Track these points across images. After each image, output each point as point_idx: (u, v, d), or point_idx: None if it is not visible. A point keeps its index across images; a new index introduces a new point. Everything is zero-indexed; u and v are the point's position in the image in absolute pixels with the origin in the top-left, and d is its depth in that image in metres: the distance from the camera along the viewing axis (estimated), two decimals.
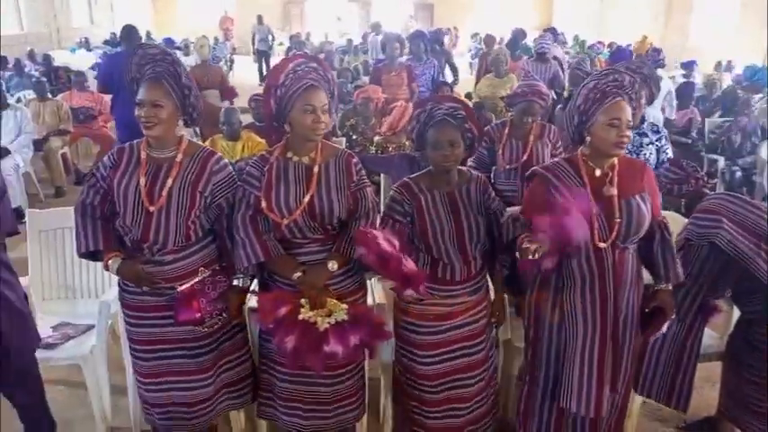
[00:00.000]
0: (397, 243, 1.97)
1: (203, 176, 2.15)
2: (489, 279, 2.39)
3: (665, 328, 2.26)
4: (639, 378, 2.52)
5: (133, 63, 2.12)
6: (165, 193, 2.10)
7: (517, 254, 1.95)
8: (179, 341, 2.21)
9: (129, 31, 5.30)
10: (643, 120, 3.89)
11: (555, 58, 6.67)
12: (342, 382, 2.27)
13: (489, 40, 9.55)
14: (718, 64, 9.90)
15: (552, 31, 9.12)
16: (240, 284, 2.24)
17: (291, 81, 2.07)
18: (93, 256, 2.21)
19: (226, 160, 2.26)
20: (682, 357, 2.44)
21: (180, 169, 2.13)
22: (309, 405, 2.28)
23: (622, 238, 2.05)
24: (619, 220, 2.03)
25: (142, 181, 2.10)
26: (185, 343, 2.21)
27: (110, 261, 2.14)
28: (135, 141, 2.21)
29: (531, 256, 1.87)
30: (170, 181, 2.11)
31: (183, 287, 2.12)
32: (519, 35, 8.32)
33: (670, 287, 2.18)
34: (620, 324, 2.12)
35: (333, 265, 2.12)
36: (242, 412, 2.61)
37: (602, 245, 2.03)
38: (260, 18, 13.80)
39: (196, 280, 2.15)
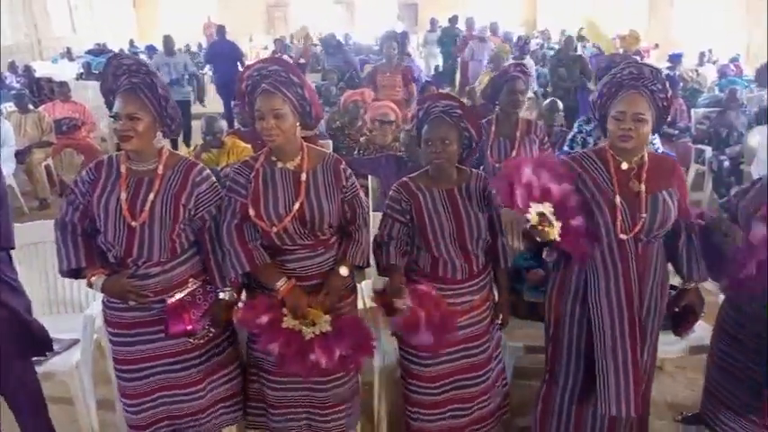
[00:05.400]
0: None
1: (186, 188, 2.09)
2: (494, 280, 2.35)
3: (696, 328, 2.24)
4: None
5: (109, 74, 2.05)
6: (147, 207, 2.03)
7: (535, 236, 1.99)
8: (167, 356, 2.15)
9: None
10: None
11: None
12: (335, 387, 2.24)
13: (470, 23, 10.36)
14: (702, 55, 9.92)
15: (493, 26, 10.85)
16: (227, 298, 2.18)
17: (250, 88, 2.06)
18: (75, 273, 2.13)
19: (208, 171, 2.20)
20: None
21: (162, 182, 2.07)
22: (302, 409, 2.26)
23: (645, 232, 2.04)
24: (644, 216, 2.01)
25: (123, 195, 2.03)
26: (174, 357, 2.15)
27: (93, 278, 2.07)
28: (114, 154, 2.14)
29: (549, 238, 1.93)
30: (152, 195, 2.04)
31: (173, 299, 2.08)
32: None
33: (695, 285, 2.18)
34: (644, 318, 2.10)
35: (344, 270, 2.13)
36: (234, 426, 2.56)
37: (623, 236, 2.02)
38: (167, 42, 8.11)
39: (186, 291, 2.10)
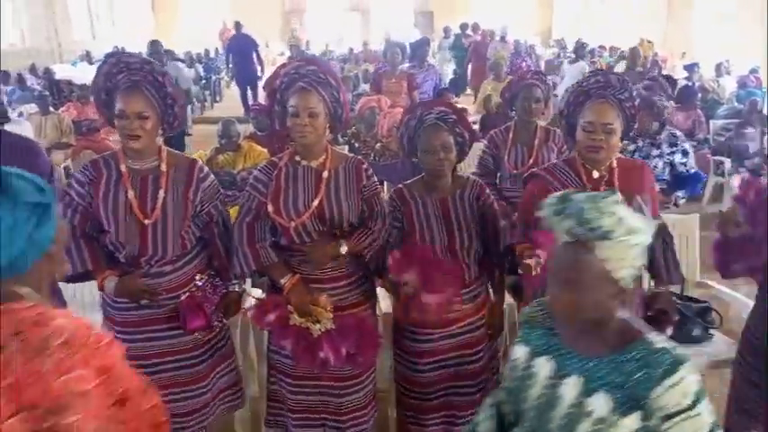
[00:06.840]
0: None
1: (192, 184, 2.11)
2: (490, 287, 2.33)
3: (669, 331, 2.21)
4: None
5: (102, 72, 2.01)
6: (158, 204, 2.04)
7: (519, 269, 1.97)
8: (175, 353, 2.15)
9: None
10: (663, 129, 3.79)
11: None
12: (351, 393, 2.23)
13: (476, 27, 10.73)
14: (719, 66, 9.83)
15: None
16: (237, 289, 2.24)
17: (285, 85, 2.06)
18: (79, 277, 2.09)
19: (206, 167, 2.22)
20: None
21: (168, 179, 2.07)
22: (320, 414, 2.26)
23: None
24: None
25: (131, 194, 2.03)
26: (182, 354, 2.15)
27: (105, 281, 2.05)
28: (108, 153, 2.13)
29: (533, 272, 1.89)
30: (162, 192, 2.05)
31: (187, 295, 2.09)
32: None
33: (670, 288, 2.16)
34: None
35: (343, 247, 2.07)
36: (248, 421, 2.57)
37: None
38: (154, 48, 6.44)
39: (197, 286, 2.12)
